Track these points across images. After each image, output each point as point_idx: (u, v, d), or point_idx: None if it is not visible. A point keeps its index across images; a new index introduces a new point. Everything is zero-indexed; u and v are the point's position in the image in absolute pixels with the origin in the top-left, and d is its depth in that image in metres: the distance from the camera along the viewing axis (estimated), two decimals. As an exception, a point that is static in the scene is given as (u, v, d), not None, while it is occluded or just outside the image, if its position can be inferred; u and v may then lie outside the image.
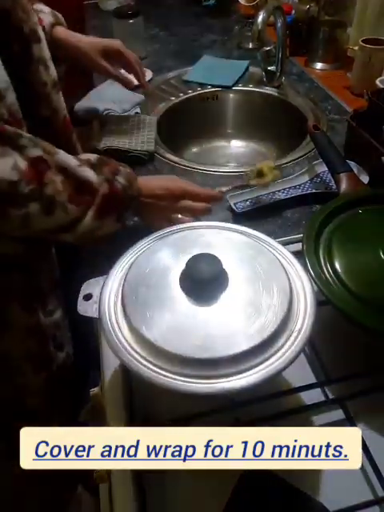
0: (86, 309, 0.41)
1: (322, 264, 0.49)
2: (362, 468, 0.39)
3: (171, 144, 0.86)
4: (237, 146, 1.04)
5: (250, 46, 1.21)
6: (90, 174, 0.49)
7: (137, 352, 0.36)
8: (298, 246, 0.50)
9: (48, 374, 0.70)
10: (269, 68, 1.01)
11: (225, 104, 1.05)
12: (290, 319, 0.38)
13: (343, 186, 0.59)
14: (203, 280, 0.38)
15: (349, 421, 0.42)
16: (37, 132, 0.51)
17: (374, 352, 0.47)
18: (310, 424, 0.43)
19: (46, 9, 0.69)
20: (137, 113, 0.90)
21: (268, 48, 0.99)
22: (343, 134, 0.76)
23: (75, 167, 0.48)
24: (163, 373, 0.35)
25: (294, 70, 1.09)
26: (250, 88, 1.04)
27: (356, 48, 0.96)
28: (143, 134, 0.82)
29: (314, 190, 0.67)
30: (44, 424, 0.79)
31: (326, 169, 0.66)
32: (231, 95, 1.04)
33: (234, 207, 0.65)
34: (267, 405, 0.44)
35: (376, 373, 0.45)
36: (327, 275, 0.48)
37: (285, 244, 0.45)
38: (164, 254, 0.43)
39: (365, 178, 0.65)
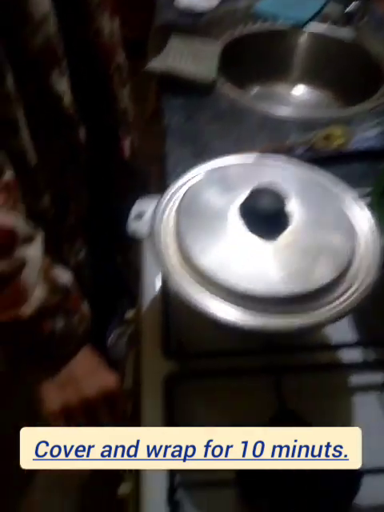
0: (135, 228, 0.39)
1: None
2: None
3: (232, 79, 0.80)
4: (300, 92, 0.96)
5: (332, -19, 1.08)
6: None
7: (185, 277, 0.35)
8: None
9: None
10: (348, 8, 0.90)
11: (294, 44, 0.95)
12: (351, 270, 0.35)
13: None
14: (264, 214, 0.35)
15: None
16: (76, 54, 0.47)
17: None
18: (346, 383, 0.42)
19: None
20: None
21: (352, -16, 0.88)
22: None
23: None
24: (209, 301, 0.33)
25: (376, 14, 0.97)
26: (325, 28, 0.93)
27: None
28: (205, 61, 0.76)
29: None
30: None
31: (402, 124, 0.60)
32: (302, 34, 0.94)
33: (294, 152, 0.60)
34: (304, 356, 0.42)
35: None
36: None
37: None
38: (223, 183, 0.40)
39: None
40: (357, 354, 0.43)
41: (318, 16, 0.95)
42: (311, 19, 0.94)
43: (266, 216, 0.35)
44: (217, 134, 0.66)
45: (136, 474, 0.35)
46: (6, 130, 0.40)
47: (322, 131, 0.61)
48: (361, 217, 0.38)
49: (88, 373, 0.37)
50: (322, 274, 0.33)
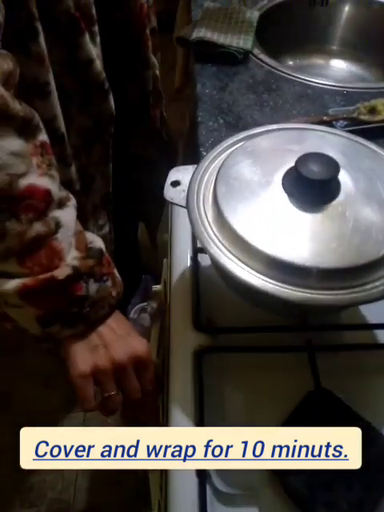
0: (172, 195, 0.38)
1: None
2: None
3: (266, 50, 0.76)
4: (337, 67, 0.91)
5: None
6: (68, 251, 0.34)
7: (222, 246, 0.33)
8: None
9: None
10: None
11: (336, 13, 0.90)
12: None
13: None
14: (313, 182, 0.32)
15: None
16: (110, 18, 0.45)
17: None
18: (382, 363, 0.40)
19: None
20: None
21: None
22: None
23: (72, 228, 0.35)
24: (248, 269, 0.32)
25: None
26: (370, -4, 0.88)
27: None
28: (241, 28, 0.72)
29: None
30: None
31: None
32: (345, 2, 0.89)
33: (335, 124, 0.57)
34: (339, 334, 0.41)
35: None
36: None
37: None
38: (265, 151, 0.38)
39: None
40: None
41: (362, -17, 0.89)
42: (355, -14, 0.88)
43: (316, 183, 0.33)
44: (251, 105, 0.63)
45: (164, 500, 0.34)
46: (37, 91, 0.39)
47: (367, 103, 0.58)
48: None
49: (119, 337, 0.37)
50: (372, 249, 0.31)
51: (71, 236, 0.35)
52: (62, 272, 0.33)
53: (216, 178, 0.36)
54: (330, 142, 0.38)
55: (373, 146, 0.40)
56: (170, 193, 0.38)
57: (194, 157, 0.59)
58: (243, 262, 0.32)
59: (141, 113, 0.60)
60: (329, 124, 0.57)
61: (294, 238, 0.32)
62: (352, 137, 0.40)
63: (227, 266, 0.32)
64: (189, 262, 0.45)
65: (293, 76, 0.68)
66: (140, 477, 0.47)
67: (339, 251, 0.31)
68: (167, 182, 0.38)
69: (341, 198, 0.33)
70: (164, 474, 0.34)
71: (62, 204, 0.35)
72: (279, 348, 0.39)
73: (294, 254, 0.31)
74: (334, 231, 0.32)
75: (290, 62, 0.90)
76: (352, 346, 0.39)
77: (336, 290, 0.31)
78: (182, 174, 0.39)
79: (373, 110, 0.57)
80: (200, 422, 0.35)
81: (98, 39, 0.43)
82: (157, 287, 0.51)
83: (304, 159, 0.33)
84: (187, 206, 0.35)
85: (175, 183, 0.38)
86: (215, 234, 0.34)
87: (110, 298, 0.37)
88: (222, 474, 0.33)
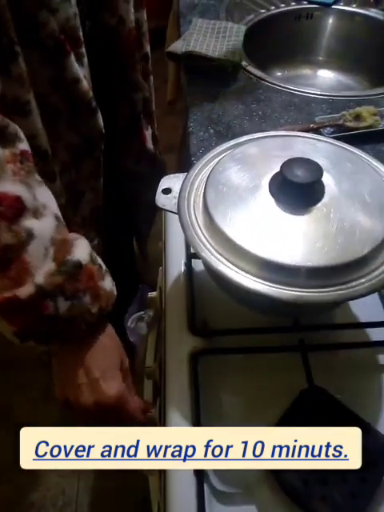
0: (164, 202, 0.39)
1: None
2: None
3: (255, 62, 0.78)
4: (324, 76, 0.94)
5: None
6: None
7: (213, 249, 0.34)
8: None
9: None
10: (378, -13, 0.87)
11: (320, 25, 0.93)
12: (385, 247, 0.34)
13: None
14: (298, 185, 0.34)
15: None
16: (98, 41, 0.47)
17: None
18: (375, 361, 0.41)
19: None
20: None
21: None
22: None
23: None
24: (239, 271, 0.33)
25: (407, -7, 0.94)
26: (353, 8, 0.91)
27: None
28: (228, 42, 0.74)
29: (416, 125, 0.59)
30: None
31: None
32: (329, 15, 0.92)
33: (322, 131, 0.59)
34: (332, 334, 0.42)
35: None
36: None
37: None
38: (252, 158, 0.39)
39: None
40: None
41: (344, -3, 0.93)
42: (337, 1, 0.91)
43: (301, 186, 0.34)
44: (241, 115, 0.65)
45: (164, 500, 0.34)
46: (18, 110, 0.40)
47: (352, 110, 0.60)
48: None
49: (91, 381, 0.35)
50: (356, 248, 0.32)
51: (47, 247, 0.33)
52: (24, 291, 0.31)
53: (205, 184, 0.38)
54: (314, 148, 0.40)
55: (356, 151, 0.41)
56: (161, 200, 0.39)
57: (186, 167, 0.61)
58: (234, 265, 0.33)
59: (131, 133, 0.61)
60: (316, 131, 0.59)
61: (281, 239, 0.33)
62: (336, 142, 0.42)
63: (219, 268, 0.33)
64: (183, 268, 0.46)
65: (280, 86, 0.70)
66: (141, 491, 0.46)
67: (325, 250, 0.32)
68: (158, 189, 0.40)
69: (325, 200, 0.35)
70: (163, 475, 0.34)
71: (38, 213, 0.33)
72: (273, 348, 0.39)
73: (281, 255, 0.32)
74: (319, 232, 0.33)
75: (279, 73, 0.93)
76: (344, 344, 0.40)
77: (323, 288, 0.32)
78: (172, 181, 0.40)
79: (358, 117, 0.58)
80: (196, 423, 0.35)
81: (85, 60, 0.44)
82: (152, 294, 0.52)
83: (289, 164, 0.35)
84: (178, 212, 0.37)
85: (166, 191, 0.40)
86: (206, 239, 0.35)
87: (87, 314, 0.34)
88: (220, 473, 0.34)
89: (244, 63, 0.75)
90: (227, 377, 0.40)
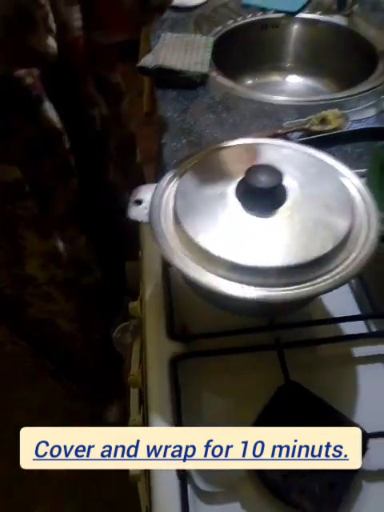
0: (136, 214, 0.40)
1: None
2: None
3: (224, 71, 0.80)
4: (293, 81, 0.97)
5: (321, -31, 1.08)
6: None
7: (186, 257, 0.36)
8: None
9: (78, 300, 0.72)
10: (340, -5, 0.91)
11: (286, 33, 0.96)
12: (348, 243, 0.36)
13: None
14: (261, 190, 0.36)
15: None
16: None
17: None
18: (350, 355, 0.42)
19: None
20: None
21: (342, -31, 0.88)
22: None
23: None
24: (211, 278, 0.34)
25: None
26: (317, 16, 0.94)
27: None
28: (197, 54, 0.76)
29: (380, 125, 0.61)
30: (80, 346, 0.81)
31: (396, 104, 0.60)
32: (294, 23, 0.95)
33: (289, 136, 0.61)
34: (307, 330, 0.43)
35: None
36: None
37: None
38: (220, 166, 0.41)
39: None
40: (360, 326, 0.43)
41: (308, 5, 0.96)
42: (302, 9, 0.95)
43: (263, 192, 0.36)
44: (212, 124, 0.67)
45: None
46: None
47: (318, 114, 0.62)
48: (357, 191, 0.39)
49: None
50: (320, 246, 0.34)
51: None
52: None
53: (175, 193, 0.39)
54: (279, 154, 0.42)
55: (319, 155, 0.43)
56: (133, 211, 0.40)
57: (161, 177, 0.62)
58: (206, 270, 0.35)
59: (95, 147, 0.62)
60: (284, 136, 0.61)
61: (248, 242, 0.35)
62: (300, 147, 0.44)
63: (190, 274, 0.35)
64: (160, 275, 0.47)
65: (249, 95, 0.72)
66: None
67: (290, 250, 0.34)
68: (130, 201, 0.41)
69: (288, 202, 0.36)
70: (147, 477, 0.35)
71: None
72: (250, 348, 0.41)
73: (249, 257, 0.34)
74: (284, 233, 0.35)
75: (249, 81, 0.96)
76: (318, 340, 0.42)
77: (291, 285, 0.34)
78: (144, 192, 0.41)
79: (324, 121, 0.61)
80: (178, 425, 0.36)
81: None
82: (133, 303, 0.52)
83: (252, 171, 0.36)
84: (150, 222, 0.38)
85: (138, 202, 0.41)
86: (178, 246, 0.36)
87: None
88: (203, 472, 0.35)
89: (214, 74, 0.77)
90: (207, 379, 0.41)
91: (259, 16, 0.95)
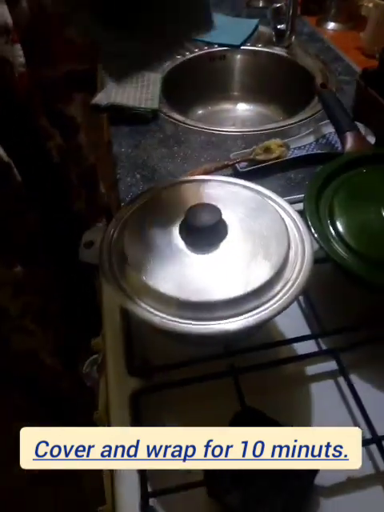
0: (86, 256, 0.42)
1: (323, 222, 0.49)
2: (353, 416, 0.41)
3: (176, 105, 0.84)
4: (243, 108, 1.02)
5: (260, 4, 1.16)
6: None
7: (137, 297, 0.37)
8: (300, 206, 0.50)
9: (54, 329, 0.72)
10: (278, 27, 0.97)
11: (232, 64, 1.02)
12: (286, 270, 0.38)
13: (348, 145, 0.58)
14: (202, 228, 0.38)
15: (341, 372, 0.43)
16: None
17: (367, 307, 0.48)
18: (303, 373, 0.45)
19: None
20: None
21: (278, 5, 0.95)
22: (352, 95, 0.74)
23: None
24: (161, 315, 0.36)
25: (304, 30, 1.05)
26: (259, 48, 1.00)
27: (370, 5, 0.92)
28: (147, 91, 0.80)
29: (319, 151, 0.66)
30: (56, 380, 0.80)
31: (333, 130, 0.65)
32: (239, 55, 1.01)
33: (237, 166, 0.64)
34: (262, 354, 0.45)
35: (368, 326, 0.46)
36: (328, 233, 0.48)
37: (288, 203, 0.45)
38: (165, 205, 0.43)
39: (372, 139, 0.64)
40: (310, 345, 0.46)
41: (250, 39, 1.02)
42: (245, 42, 1.01)
43: (203, 229, 0.38)
44: (164, 158, 0.70)
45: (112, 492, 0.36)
46: None
47: (262, 144, 0.66)
48: (292, 221, 0.42)
49: None
50: (259, 276, 0.36)
51: None
52: None
53: (123, 235, 0.41)
54: (221, 189, 0.44)
55: (258, 188, 0.46)
56: (84, 254, 0.42)
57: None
58: (153, 308, 0.36)
59: (56, 178, 0.63)
60: (232, 167, 0.64)
61: (194, 279, 0.37)
62: (240, 182, 0.46)
63: (140, 314, 0.36)
64: (118, 312, 0.48)
65: (198, 127, 0.76)
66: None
67: (231, 283, 0.36)
68: (81, 244, 0.42)
69: (229, 237, 0.39)
70: (112, 476, 0.36)
71: None
72: (207, 377, 0.42)
73: (195, 294, 0.36)
74: (225, 267, 0.37)
75: (201, 111, 1.00)
76: (272, 362, 0.44)
77: (237, 316, 0.36)
78: (94, 234, 0.43)
79: (268, 150, 0.64)
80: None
81: None
82: (96, 339, 0.53)
83: (192, 210, 0.39)
84: (100, 265, 0.39)
85: (89, 244, 0.43)
86: (129, 287, 0.38)
87: None
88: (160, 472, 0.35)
89: (164, 109, 0.81)
90: (169, 410, 0.42)
91: (206, 50, 1.01)
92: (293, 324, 0.48)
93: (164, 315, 0.36)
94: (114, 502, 0.35)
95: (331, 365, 0.44)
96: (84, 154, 0.72)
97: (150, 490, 0.35)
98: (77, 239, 0.75)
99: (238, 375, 0.42)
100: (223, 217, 0.39)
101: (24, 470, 0.31)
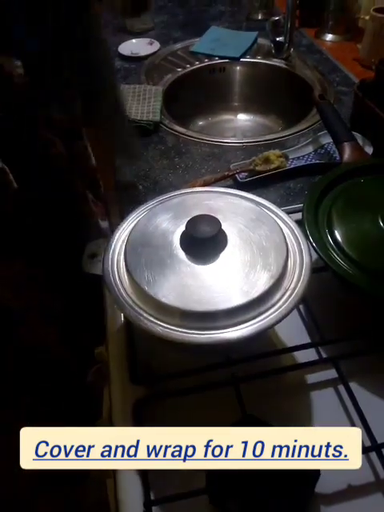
0: (90, 267, 0.43)
1: (322, 231, 0.50)
2: (353, 424, 0.41)
3: (177, 117, 0.86)
4: (243, 119, 1.04)
5: (259, 17, 1.18)
6: None
7: (139, 307, 0.38)
8: (299, 216, 0.51)
9: (57, 328, 0.71)
10: (277, 39, 0.99)
11: (232, 76, 1.04)
12: (285, 279, 0.39)
13: (346, 155, 0.59)
14: (202, 239, 0.39)
15: (341, 380, 0.44)
16: None
17: (366, 316, 0.48)
18: (303, 382, 0.45)
19: None
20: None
21: (277, 18, 0.97)
22: (350, 106, 0.76)
23: None
24: (163, 325, 0.37)
25: (303, 42, 1.07)
26: (258, 60, 1.02)
27: (367, 18, 0.93)
28: (149, 104, 0.82)
29: (317, 161, 0.67)
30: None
31: (331, 140, 0.66)
32: (238, 67, 1.03)
33: (237, 177, 0.65)
34: (262, 362, 0.46)
35: (368, 335, 0.46)
36: (327, 242, 0.49)
37: (287, 213, 0.46)
38: (165, 217, 0.44)
39: (369, 150, 0.65)
40: (310, 354, 0.46)
41: (250, 51, 1.04)
42: (244, 54, 1.03)
43: (203, 241, 0.39)
44: (166, 169, 0.71)
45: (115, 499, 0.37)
46: None
47: (261, 155, 0.67)
48: (290, 231, 0.43)
49: None
50: (259, 286, 0.37)
51: None
52: None
53: (125, 246, 0.42)
54: (221, 201, 0.45)
55: (257, 199, 0.47)
56: (87, 265, 0.43)
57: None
58: (156, 318, 0.37)
59: (62, 183, 0.64)
60: (232, 177, 0.66)
61: (195, 289, 0.38)
62: (240, 193, 0.47)
63: (143, 325, 0.37)
64: (122, 320, 0.49)
65: (198, 139, 0.77)
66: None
67: (231, 293, 0.37)
68: (84, 255, 0.43)
69: (229, 248, 0.40)
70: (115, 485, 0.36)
71: None
72: (209, 386, 0.43)
73: (196, 304, 0.36)
74: (225, 277, 0.38)
75: (201, 123, 1.02)
76: (273, 370, 0.44)
77: (238, 325, 0.37)
78: (97, 246, 0.44)
79: (267, 160, 0.66)
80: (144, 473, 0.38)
81: None
82: (99, 348, 0.54)
83: (192, 221, 0.40)
84: (103, 276, 0.40)
85: (92, 256, 0.44)
86: (131, 297, 0.39)
87: None
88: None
89: (166, 121, 0.82)
90: (171, 419, 0.42)
91: (206, 62, 1.03)
92: (293, 333, 0.49)
93: (166, 325, 0.37)
94: (116, 511, 0.36)
95: (331, 373, 0.45)
96: (87, 158, 0.72)
97: (152, 498, 0.36)
98: (84, 243, 0.76)
99: (239, 384, 0.42)
100: (223, 228, 0.40)
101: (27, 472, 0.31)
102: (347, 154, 0.59)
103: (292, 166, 0.66)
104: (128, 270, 0.40)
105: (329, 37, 1.08)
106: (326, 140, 0.70)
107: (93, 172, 0.74)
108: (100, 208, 0.71)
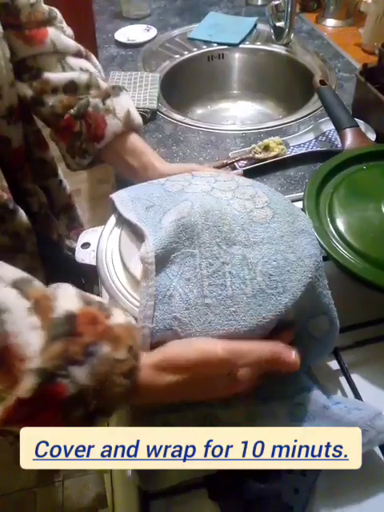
0: (83, 257, 0.41)
1: (323, 220, 0.49)
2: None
3: (174, 104, 0.84)
4: (242, 107, 1.02)
5: (259, 2, 1.15)
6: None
7: (133, 297, 0.37)
8: (300, 204, 0.49)
9: None
10: (277, 24, 0.97)
11: (231, 63, 1.01)
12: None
13: (348, 142, 0.57)
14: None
15: (342, 371, 0.43)
16: None
17: (369, 306, 0.47)
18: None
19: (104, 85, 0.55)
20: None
21: (277, 2, 0.94)
22: (352, 92, 0.74)
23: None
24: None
25: (303, 27, 1.04)
26: (258, 46, 1.00)
27: (369, 1, 0.91)
28: (146, 91, 0.80)
29: (318, 148, 0.65)
30: None
31: (332, 127, 0.64)
32: (237, 54, 1.01)
33: (236, 165, 0.64)
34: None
35: (369, 325, 0.45)
36: (328, 231, 0.47)
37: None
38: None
39: (372, 136, 0.63)
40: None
41: (249, 37, 1.02)
42: (243, 40, 1.00)
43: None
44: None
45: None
46: None
47: (261, 143, 0.65)
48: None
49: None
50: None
51: (26, 317, 0.27)
52: (24, 387, 0.25)
53: (120, 235, 0.41)
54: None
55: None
56: (80, 255, 0.41)
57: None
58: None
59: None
60: (231, 165, 0.64)
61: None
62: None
63: (136, 314, 0.36)
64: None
65: (197, 126, 0.75)
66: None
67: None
68: (78, 245, 0.42)
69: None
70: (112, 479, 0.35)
71: None
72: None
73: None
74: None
75: (199, 111, 1.00)
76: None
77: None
78: (90, 235, 0.43)
79: (267, 148, 0.64)
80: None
81: None
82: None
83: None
84: (96, 265, 0.39)
85: (85, 245, 0.42)
86: (125, 287, 0.38)
87: (117, 366, 0.28)
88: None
89: (163, 108, 0.80)
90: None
91: (204, 49, 1.00)
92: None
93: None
94: (114, 505, 0.35)
95: (333, 364, 0.44)
96: (63, 188, 0.69)
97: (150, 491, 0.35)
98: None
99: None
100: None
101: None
102: (349, 140, 0.57)
103: (292, 154, 0.65)
104: (122, 260, 0.38)
105: (330, 22, 1.06)
106: (327, 127, 0.68)
107: (70, 199, 0.71)
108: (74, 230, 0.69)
